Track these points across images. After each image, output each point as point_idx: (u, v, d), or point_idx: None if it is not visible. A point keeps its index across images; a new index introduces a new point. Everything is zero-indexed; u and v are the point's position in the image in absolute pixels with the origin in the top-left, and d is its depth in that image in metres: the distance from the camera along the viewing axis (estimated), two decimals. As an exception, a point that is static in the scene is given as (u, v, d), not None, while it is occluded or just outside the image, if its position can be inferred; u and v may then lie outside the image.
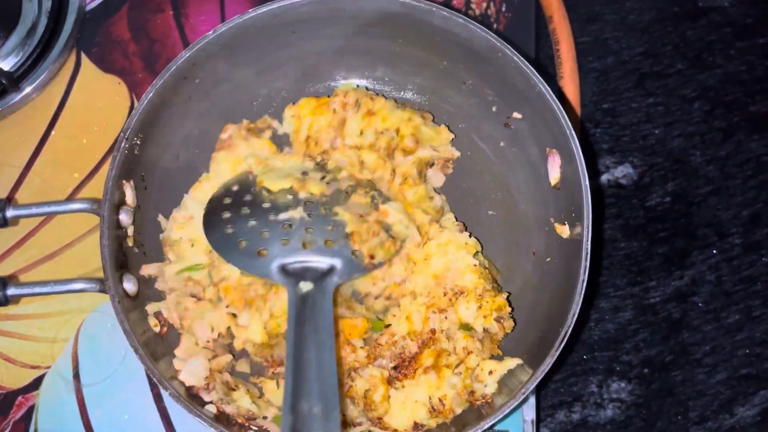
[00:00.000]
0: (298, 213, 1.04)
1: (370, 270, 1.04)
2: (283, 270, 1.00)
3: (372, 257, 1.03)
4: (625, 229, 1.29)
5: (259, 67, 1.16)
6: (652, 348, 1.23)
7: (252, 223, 1.04)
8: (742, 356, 1.22)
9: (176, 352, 1.04)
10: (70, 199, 1.21)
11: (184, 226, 1.09)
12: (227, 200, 1.07)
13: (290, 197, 1.06)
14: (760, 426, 1.19)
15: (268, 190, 1.08)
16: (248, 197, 1.07)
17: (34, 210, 1.06)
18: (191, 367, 1.02)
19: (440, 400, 1.01)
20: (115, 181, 1.02)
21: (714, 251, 1.28)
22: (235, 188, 1.09)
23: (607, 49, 1.39)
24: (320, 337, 0.90)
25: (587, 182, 1.01)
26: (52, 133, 1.25)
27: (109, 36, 1.31)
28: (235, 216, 1.05)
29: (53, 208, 1.07)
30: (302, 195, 1.07)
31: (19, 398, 1.13)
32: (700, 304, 1.25)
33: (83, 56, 1.30)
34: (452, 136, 1.16)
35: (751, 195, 1.31)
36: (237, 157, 1.12)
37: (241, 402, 1.02)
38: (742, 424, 1.19)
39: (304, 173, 1.10)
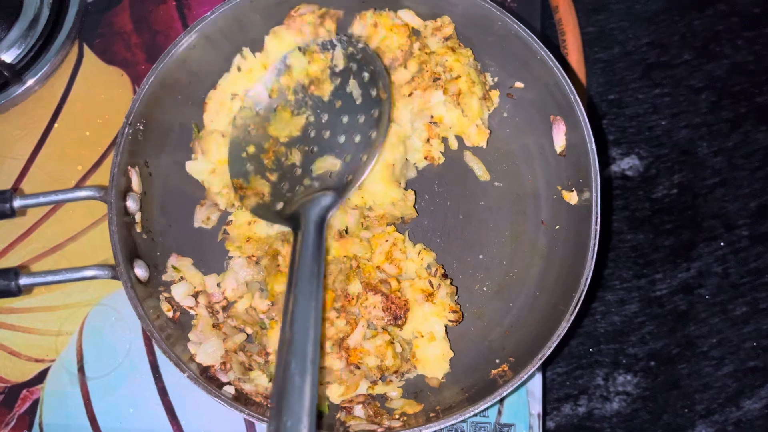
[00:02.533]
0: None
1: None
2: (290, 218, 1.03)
3: None
4: (631, 221, 1.28)
5: (258, 47, 1.15)
6: (659, 341, 1.22)
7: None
8: (749, 349, 1.22)
9: (190, 335, 1.04)
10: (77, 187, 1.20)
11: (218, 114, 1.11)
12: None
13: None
14: (766, 419, 1.18)
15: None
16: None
17: (41, 199, 1.05)
18: (206, 348, 1.02)
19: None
20: (120, 167, 1.02)
21: (721, 243, 1.27)
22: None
23: (613, 39, 1.38)
24: (304, 284, 0.92)
25: (594, 147, 1.01)
26: (55, 125, 1.25)
27: (111, 27, 1.30)
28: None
29: (60, 197, 1.06)
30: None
31: (24, 392, 1.13)
32: (706, 297, 1.24)
33: (86, 48, 1.29)
34: None
35: (759, 186, 1.30)
36: (295, 42, 1.12)
37: (259, 380, 1.02)
38: (749, 417, 1.19)
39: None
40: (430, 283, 1.07)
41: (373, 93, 1.04)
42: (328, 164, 1.04)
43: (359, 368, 1.02)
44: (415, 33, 1.13)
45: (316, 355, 0.84)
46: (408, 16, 1.12)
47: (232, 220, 1.10)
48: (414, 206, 1.13)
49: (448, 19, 1.12)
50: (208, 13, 1.06)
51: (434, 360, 1.06)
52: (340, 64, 1.07)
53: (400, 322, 1.04)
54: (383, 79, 1.03)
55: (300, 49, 1.09)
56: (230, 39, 1.11)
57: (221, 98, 1.11)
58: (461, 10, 1.09)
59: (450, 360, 1.06)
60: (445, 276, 1.10)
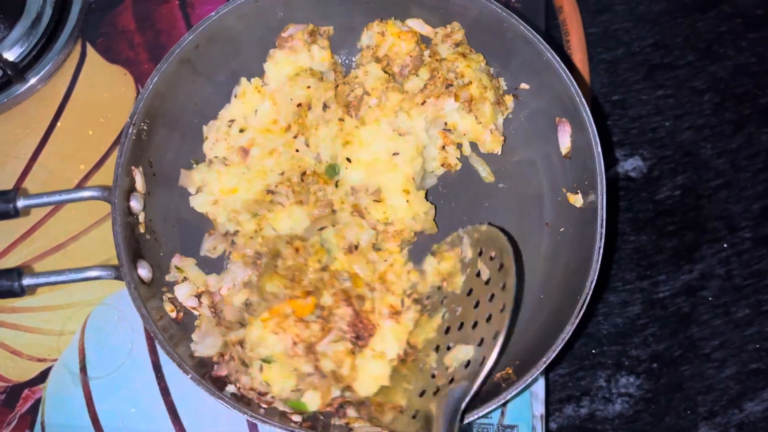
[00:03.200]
0: None
1: None
2: None
3: None
4: (634, 223, 1.28)
5: (260, 49, 1.15)
6: (661, 342, 1.22)
7: None
8: (752, 351, 1.22)
9: (193, 336, 1.04)
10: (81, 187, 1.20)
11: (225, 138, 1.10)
12: None
13: None
14: (769, 421, 1.19)
15: None
16: None
17: (45, 199, 1.05)
18: (206, 341, 1.02)
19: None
20: (124, 167, 1.02)
21: (724, 245, 1.27)
22: None
23: (617, 40, 1.38)
24: None
25: (599, 149, 1.01)
26: (58, 124, 1.25)
27: (114, 26, 1.30)
28: None
29: (64, 197, 1.06)
30: None
31: (26, 391, 1.13)
32: (709, 299, 1.24)
33: (89, 47, 1.29)
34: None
35: (762, 188, 1.29)
36: (297, 65, 1.11)
37: (255, 375, 1.02)
38: (752, 419, 1.19)
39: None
40: (402, 302, 1.05)
41: (498, 266, 0.98)
42: (463, 355, 0.97)
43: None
44: (425, 41, 1.13)
45: None
46: (417, 25, 1.12)
47: (238, 231, 1.09)
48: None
49: (458, 25, 1.12)
50: (213, 13, 1.06)
51: (369, 378, 1.03)
52: (469, 254, 1.04)
53: (360, 343, 1.02)
54: (507, 252, 0.97)
55: (432, 253, 1.08)
56: (234, 39, 1.11)
57: (220, 127, 1.10)
58: (473, 14, 1.08)
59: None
60: (417, 302, 1.07)
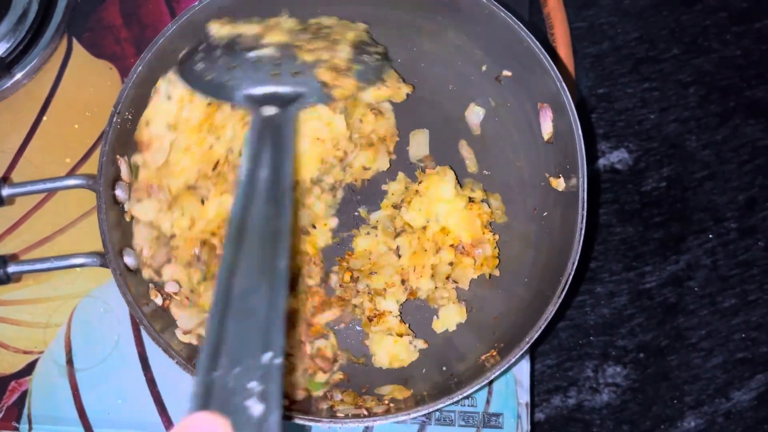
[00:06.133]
0: (269, 51, 1.01)
1: (335, 100, 1.02)
2: (250, 99, 0.97)
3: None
4: (620, 214, 1.28)
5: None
6: (648, 333, 1.22)
7: (222, 59, 1.01)
8: (738, 340, 1.22)
9: (178, 322, 1.04)
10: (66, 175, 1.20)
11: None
12: (201, 47, 1.04)
13: (261, 41, 1.03)
14: (756, 410, 1.19)
15: (237, 34, 1.04)
16: (220, 42, 1.03)
17: (29, 187, 1.05)
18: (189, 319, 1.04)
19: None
20: (108, 155, 1.01)
21: (710, 236, 1.27)
22: (201, 44, 1.05)
23: (603, 34, 1.38)
24: (278, 156, 0.84)
25: (580, 133, 1.01)
26: (44, 118, 1.25)
27: (100, 21, 1.30)
28: (207, 57, 1.02)
29: (49, 185, 1.06)
30: (270, 40, 1.03)
31: (12, 383, 1.13)
32: (695, 289, 1.25)
33: (74, 42, 1.29)
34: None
35: (747, 179, 1.30)
36: None
37: None
38: (738, 408, 1.19)
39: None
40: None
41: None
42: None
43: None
44: None
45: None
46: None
47: (175, 234, 1.07)
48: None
49: None
50: (196, 3, 1.06)
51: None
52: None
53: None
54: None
55: None
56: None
57: (158, 133, 1.07)
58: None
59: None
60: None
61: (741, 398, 1.19)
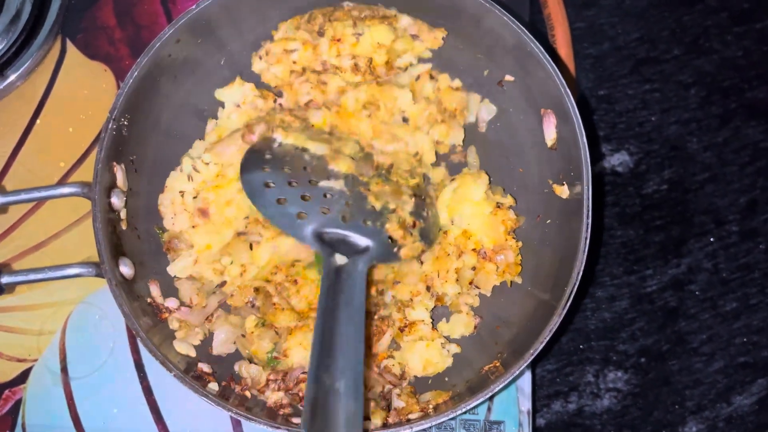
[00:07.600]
0: (338, 185, 1.03)
1: (400, 260, 1.04)
2: (319, 238, 0.99)
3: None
4: (621, 217, 1.27)
5: (245, 40, 1.14)
6: (649, 337, 1.21)
7: (293, 183, 1.02)
8: (740, 345, 1.21)
9: (176, 333, 1.04)
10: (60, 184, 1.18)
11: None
12: (267, 155, 1.04)
13: (330, 168, 1.05)
14: (757, 414, 1.18)
15: (304, 149, 1.05)
16: (287, 158, 1.04)
17: (23, 196, 1.03)
18: (219, 335, 1.07)
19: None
20: (104, 162, 1.00)
21: (711, 239, 1.26)
22: (267, 150, 1.06)
23: (603, 34, 1.37)
24: (351, 312, 0.90)
25: (585, 140, 1.00)
26: (38, 121, 1.23)
27: (94, 22, 1.28)
28: (275, 173, 1.03)
29: (43, 194, 1.04)
30: (335, 167, 1.05)
31: (6, 392, 1.11)
32: (696, 293, 1.24)
33: (68, 43, 1.27)
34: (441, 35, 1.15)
35: (749, 181, 1.29)
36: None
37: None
38: (740, 413, 1.18)
39: (330, 133, 1.09)
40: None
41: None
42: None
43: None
44: None
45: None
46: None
47: (225, 282, 1.08)
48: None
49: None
50: (193, 6, 1.04)
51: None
52: None
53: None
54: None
55: None
56: (215, 32, 1.10)
57: (174, 198, 1.09)
58: (450, 3, 1.07)
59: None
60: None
61: (742, 403, 1.19)
